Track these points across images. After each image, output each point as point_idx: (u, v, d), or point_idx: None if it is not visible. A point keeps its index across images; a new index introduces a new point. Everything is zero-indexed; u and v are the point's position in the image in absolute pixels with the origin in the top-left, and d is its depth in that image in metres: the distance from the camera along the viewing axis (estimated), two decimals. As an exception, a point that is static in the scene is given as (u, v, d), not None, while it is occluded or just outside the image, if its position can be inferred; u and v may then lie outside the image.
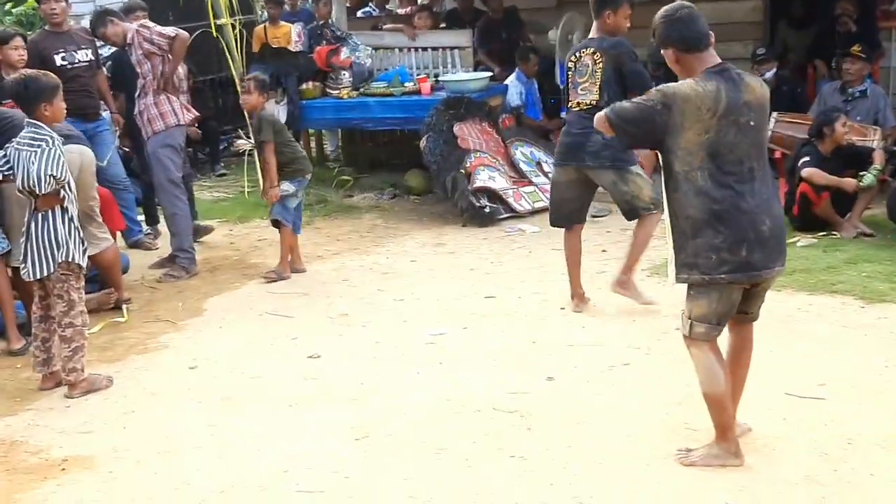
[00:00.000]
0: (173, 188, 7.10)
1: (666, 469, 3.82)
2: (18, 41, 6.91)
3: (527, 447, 4.07)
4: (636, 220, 5.80)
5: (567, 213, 5.86)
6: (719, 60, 3.72)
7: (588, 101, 5.62)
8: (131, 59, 7.08)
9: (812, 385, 4.46)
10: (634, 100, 3.75)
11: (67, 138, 5.91)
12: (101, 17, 7.16)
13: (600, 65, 5.56)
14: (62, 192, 4.88)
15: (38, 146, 4.80)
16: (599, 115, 3.80)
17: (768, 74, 8.56)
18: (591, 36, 5.70)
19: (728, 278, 3.63)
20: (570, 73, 5.74)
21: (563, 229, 5.90)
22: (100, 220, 6.19)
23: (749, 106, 3.63)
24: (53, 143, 4.83)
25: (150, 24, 7.14)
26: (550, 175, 6.89)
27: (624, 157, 5.61)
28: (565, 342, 5.31)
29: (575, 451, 4.01)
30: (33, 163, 4.77)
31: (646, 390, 4.60)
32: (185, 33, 7.12)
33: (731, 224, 3.58)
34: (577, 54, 5.70)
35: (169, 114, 7.03)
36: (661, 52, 3.78)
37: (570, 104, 5.77)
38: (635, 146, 4.37)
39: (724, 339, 3.85)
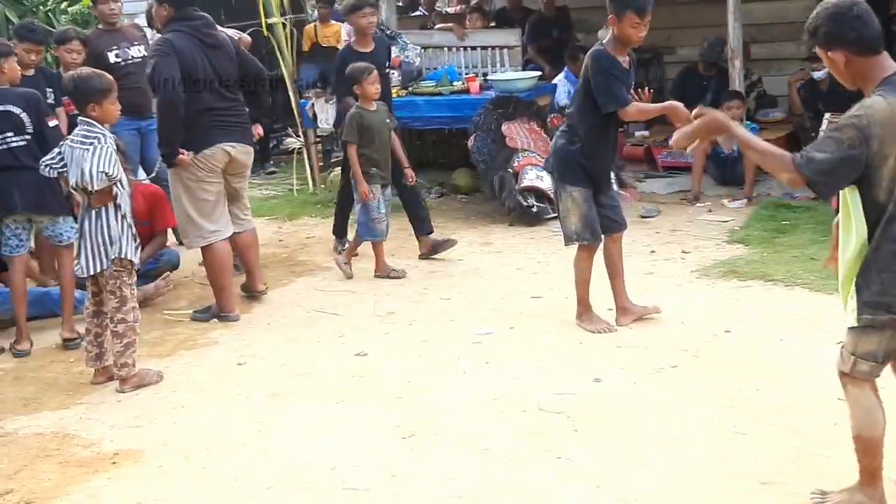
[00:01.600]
0: None
1: (713, 472, 3.79)
2: (75, 44, 6.90)
3: (573, 448, 4.06)
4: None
5: None
6: (894, 65, 3.26)
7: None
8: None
9: (864, 390, 4.37)
10: (827, 145, 3.16)
11: (223, 134, 5.95)
12: None
13: (583, 72, 5.35)
14: (115, 189, 4.95)
15: (91, 144, 4.87)
16: (791, 172, 3.18)
17: (820, 73, 8.44)
18: None
19: None
20: None
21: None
22: (246, 201, 6.38)
23: None
24: (105, 140, 4.90)
25: None
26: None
27: (564, 172, 5.38)
28: (612, 343, 5.28)
29: (622, 453, 3.99)
30: (86, 160, 4.84)
31: (693, 393, 4.56)
32: (248, 37, 7.15)
33: None
34: None
35: None
36: (827, 54, 3.28)
37: None
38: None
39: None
